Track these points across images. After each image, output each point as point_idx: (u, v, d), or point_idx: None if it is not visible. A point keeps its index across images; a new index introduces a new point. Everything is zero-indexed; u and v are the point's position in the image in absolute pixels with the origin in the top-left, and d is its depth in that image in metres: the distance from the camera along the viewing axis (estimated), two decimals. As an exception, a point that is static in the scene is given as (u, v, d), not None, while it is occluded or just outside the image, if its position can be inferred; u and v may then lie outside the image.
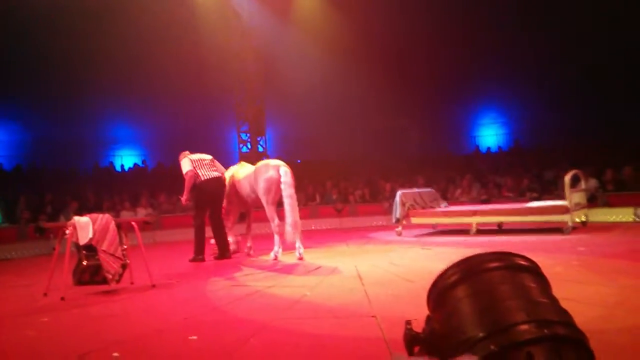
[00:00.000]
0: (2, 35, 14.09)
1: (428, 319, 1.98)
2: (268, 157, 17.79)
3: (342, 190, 14.63)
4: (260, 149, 17.72)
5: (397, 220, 9.70)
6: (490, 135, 19.45)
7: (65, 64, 14.80)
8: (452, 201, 11.86)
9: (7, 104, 15.06)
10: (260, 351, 3.17)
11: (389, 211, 10.86)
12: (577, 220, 8.88)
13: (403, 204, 9.63)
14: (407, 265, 6.14)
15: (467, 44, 16.97)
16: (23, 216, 11.61)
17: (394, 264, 6.28)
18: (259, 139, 17.75)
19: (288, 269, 6.31)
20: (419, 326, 2.03)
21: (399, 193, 9.84)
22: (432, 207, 10.13)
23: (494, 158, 16.74)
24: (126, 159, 18.75)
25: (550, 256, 5.87)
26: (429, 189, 11.06)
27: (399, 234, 9.67)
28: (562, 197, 8.77)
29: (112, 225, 5.59)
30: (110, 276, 5.42)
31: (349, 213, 13.44)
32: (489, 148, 18.28)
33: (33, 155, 16.20)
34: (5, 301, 5.38)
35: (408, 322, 1.95)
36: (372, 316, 3.76)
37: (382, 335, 3.25)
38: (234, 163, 18.10)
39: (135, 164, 18.06)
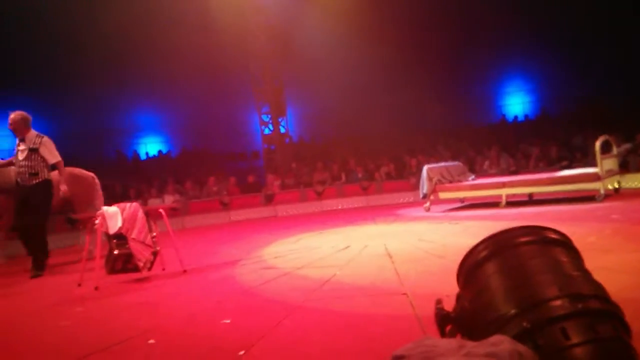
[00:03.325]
0: (26, 30, 14.21)
1: (458, 296, 1.94)
2: (290, 138, 17.78)
3: (368, 168, 14.56)
4: (282, 130, 17.70)
5: (425, 196, 9.61)
6: (516, 103, 19.08)
7: (87, 55, 14.91)
8: (480, 174, 11.70)
9: (33, 97, 15.26)
10: (293, 332, 3.17)
11: (415, 187, 10.77)
12: (610, 187, 8.67)
13: (430, 179, 9.53)
14: (436, 241, 6.07)
15: (489, 11, 16.55)
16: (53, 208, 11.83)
17: (423, 240, 6.22)
18: (280, 119, 17.70)
19: (317, 250, 6.30)
20: (450, 303, 1.99)
21: (425, 168, 9.73)
22: (459, 181, 10.00)
23: (521, 127, 16.43)
24: (150, 146, 18.92)
25: (583, 225, 5.73)
26: (455, 163, 10.92)
27: (427, 210, 9.59)
28: (593, 164, 8.57)
29: (141, 213, 5.64)
30: (141, 264, 5.49)
31: (375, 191, 13.37)
32: (515, 117, 17.92)
33: (58, 146, 16.45)
34: (40, 292, 5.48)
35: (438, 302, 1.92)
36: (403, 294, 3.72)
37: (414, 313, 3.21)
38: (257, 145, 18.24)
39: (159, 151, 18.23)
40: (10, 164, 6.70)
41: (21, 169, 6.46)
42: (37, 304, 4.75)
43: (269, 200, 13.27)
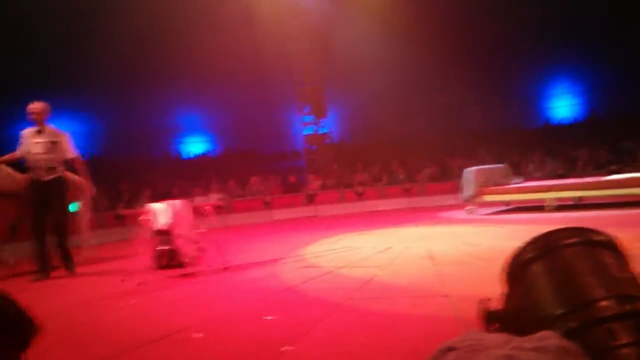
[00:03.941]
0: (74, 30, 14.68)
1: (505, 296, 1.95)
2: (331, 139, 17.81)
3: (409, 170, 14.47)
4: (323, 131, 17.76)
5: (468, 199, 9.49)
6: (563, 106, 18.57)
7: (134, 55, 15.30)
8: (525, 177, 11.47)
9: (81, 96, 15.74)
10: (335, 330, 3.20)
11: (459, 189, 10.64)
12: (662, 192, 8.37)
13: (474, 182, 9.41)
14: (479, 244, 6.00)
15: (535, 9, 16.16)
16: (101, 204, 12.19)
17: (466, 243, 6.16)
18: (321, 120, 17.76)
19: (358, 250, 6.31)
20: (494, 305, 1.99)
21: (469, 170, 9.61)
22: (504, 184, 9.83)
23: (568, 130, 16.00)
24: (195, 146, 19.29)
25: (629, 231, 5.56)
26: (500, 165, 10.74)
27: (471, 213, 9.46)
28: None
29: (187, 210, 5.79)
30: (186, 260, 5.64)
31: (418, 192, 13.27)
32: (561, 120, 17.47)
33: (107, 145, 16.95)
34: (89, 286, 5.65)
35: (485, 300, 1.93)
36: (445, 295, 3.70)
37: (456, 315, 3.20)
38: (299, 146, 18.35)
39: (204, 151, 18.58)
40: (14, 156, 6.20)
41: (38, 163, 6.01)
42: (86, 298, 4.91)
43: (310, 200, 13.36)
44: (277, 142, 19.01)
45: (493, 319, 1.87)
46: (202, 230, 5.97)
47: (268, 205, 13.08)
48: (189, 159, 18.36)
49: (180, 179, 14.56)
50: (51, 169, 6.05)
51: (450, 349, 1.29)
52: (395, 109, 17.53)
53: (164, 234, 5.74)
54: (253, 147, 18.38)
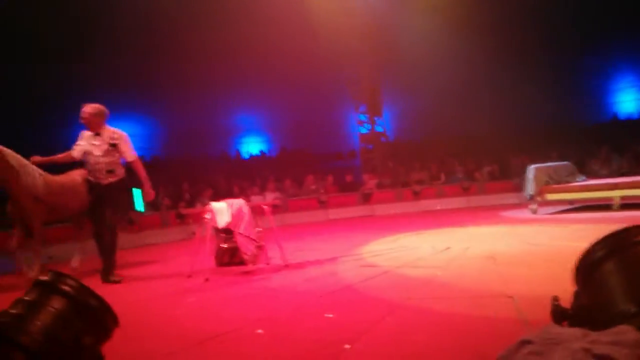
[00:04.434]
0: (136, 33, 15.16)
1: (576, 294, 1.93)
2: (387, 137, 17.69)
3: (468, 168, 14.19)
4: (379, 129, 17.66)
5: (531, 197, 9.23)
6: (629, 100, 17.71)
7: (193, 57, 15.67)
8: (590, 175, 11.03)
9: (142, 99, 16.25)
10: (395, 330, 3.20)
11: (520, 188, 10.34)
12: None
13: (536, 180, 9.13)
14: (543, 244, 5.84)
15: (599, 2, 15.50)
16: (164, 203, 12.58)
17: (529, 243, 6.00)
18: (376, 118, 17.67)
19: (416, 250, 6.25)
20: (564, 304, 1.95)
21: (531, 168, 9.34)
22: (568, 182, 9.50)
23: (634, 125, 15.26)
24: (252, 145, 19.60)
25: None
26: (563, 163, 10.38)
27: (534, 212, 9.19)
28: None
29: (246, 209, 5.90)
30: (247, 257, 5.75)
31: (477, 191, 12.99)
32: (628, 115, 16.68)
33: (168, 146, 17.47)
34: (154, 283, 5.81)
35: (555, 298, 1.91)
36: (508, 296, 3.63)
37: (519, 316, 3.13)
38: (354, 145, 18.32)
39: (260, 151, 18.86)
40: (69, 157, 6.07)
41: (97, 166, 5.91)
42: (152, 294, 5.08)
43: (366, 199, 13.33)
44: (332, 141, 19.05)
45: (563, 317, 1.85)
46: (260, 229, 6.06)
47: (324, 205, 13.13)
48: (247, 158, 18.68)
49: (238, 178, 14.84)
50: (110, 172, 5.93)
51: (527, 342, 1.28)
52: (453, 105, 17.20)
53: (226, 233, 5.87)
54: (309, 146, 18.49)
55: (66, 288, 1.46)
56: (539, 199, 9.18)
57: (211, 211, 5.83)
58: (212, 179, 14.59)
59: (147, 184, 6.06)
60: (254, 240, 5.84)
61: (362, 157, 17.45)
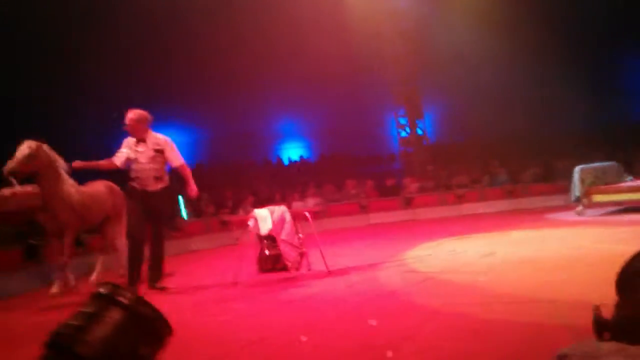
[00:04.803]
0: (179, 41, 15.51)
1: (618, 304, 1.87)
2: (428, 140, 17.55)
3: (512, 170, 13.93)
4: (420, 132, 17.54)
5: (577, 199, 9.00)
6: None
7: (235, 66, 15.91)
8: (637, 175, 10.66)
9: (187, 107, 16.60)
10: (436, 336, 3.21)
11: (566, 190, 10.10)
12: None
13: (582, 181, 8.91)
14: (588, 247, 5.71)
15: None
16: (207, 210, 12.82)
17: (574, 247, 5.88)
18: (417, 121, 17.55)
19: (459, 255, 6.20)
20: (606, 313, 1.92)
21: (577, 169, 9.11)
22: (615, 183, 9.23)
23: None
24: (292, 151, 19.77)
25: None
26: (611, 163, 10.07)
27: (580, 214, 8.96)
28: None
29: (288, 215, 5.99)
30: (289, 264, 5.83)
31: (521, 194, 12.72)
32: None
33: (211, 153, 17.80)
34: (199, 290, 5.91)
35: (596, 308, 1.86)
36: (551, 302, 3.59)
37: (563, 322, 3.09)
38: (394, 149, 18.23)
39: (300, 156, 19.00)
40: (111, 164, 5.84)
41: (144, 173, 5.75)
42: (197, 300, 5.19)
43: (408, 203, 13.24)
44: (372, 145, 19.02)
45: (604, 328, 1.81)
46: (302, 235, 6.13)
47: (364, 209, 13.12)
48: (287, 164, 18.85)
49: (279, 184, 14.99)
50: (158, 179, 5.80)
51: (563, 356, 1.28)
52: (495, 107, 16.92)
53: (269, 239, 5.97)
54: (348, 150, 18.52)
55: (123, 300, 1.54)
56: (585, 200, 8.95)
57: (254, 218, 5.94)
58: (253, 185, 14.80)
59: (193, 183, 5.94)
60: (296, 246, 5.91)
61: (402, 161, 17.36)
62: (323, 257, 5.98)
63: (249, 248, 5.91)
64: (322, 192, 14.07)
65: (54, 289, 5.86)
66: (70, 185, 6.03)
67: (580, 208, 9.02)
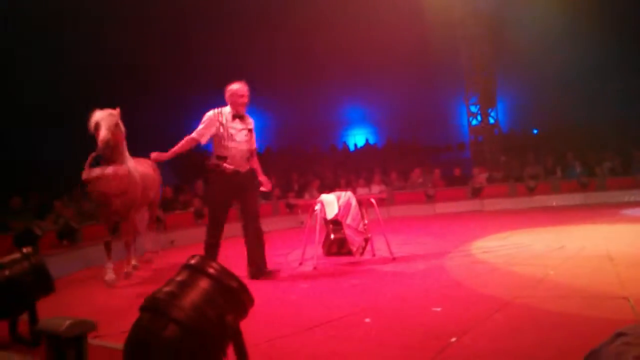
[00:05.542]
0: (253, 30, 15.82)
1: None
2: (500, 129, 17.09)
3: (587, 162, 13.38)
4: (492, 121, 17.10)
5: (656, 195, 8.60)
6: None
7: (304, 54, 16.10)
8: None
9: (259, 94, 16.97)
10: (503, 327, 3.20)
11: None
12: None
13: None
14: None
15: None
16: (275, 193, 13.10)
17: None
18: (489, 110, 17.10)
19: (528, 248, 6.08)
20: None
21: (657, 163, 8.68)
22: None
23: None
24: (358, 137, 19.78)
25: None
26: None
27: (659, 210, 8.56)
28: None
29: (354, 201, 6.06)
30: (354, 248, 5.92)
31: (596, 187, 12.21)
32: None
33: (279, 138, 18.12)
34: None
35: None
36: (624, 298, 3.49)
37: (637, 318, 3.02)
38: (464, 137, 17.89)
39: (366, 142, 18.98)
40: (193, 142, 5.34)
41: (239, 152, 5.36)
42: (264, 279, 5.32)
43: (476, 193, 12.99)
44: (441, 133, 18.74)
45: None
46: (367, 221, 6.19)
47: (431, 199, 12.99)
48: (354, 150, 18.90)
49: (345, 170, 15.09)
50: (248, 160, 5.46)
51: (621, 334, 1.32)
52: (572, 95, 16.24)
53: (334, 224, 6.08)
54: (416, 138, 18.34)
55: (211, 270, 1.68)
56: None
57: (321, 203, 6.06)
58: (319, 171, 14.97)
59: (263, 175, 5.62)
60: (361, 232, 5.99)
61: (472, 150, 17.00)
62: (388, 244, 6.03)
63: (315, 231, 6.01)
64: (388, 180, 14.04)
65: (110, 275, 5.34)
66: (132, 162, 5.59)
67: (660, 204, 8.60)
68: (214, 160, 5.40)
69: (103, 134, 5.02)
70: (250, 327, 3.63)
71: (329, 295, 4.49)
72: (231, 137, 5.32)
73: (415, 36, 15.66)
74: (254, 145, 5.60)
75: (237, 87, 5.41)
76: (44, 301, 3.30)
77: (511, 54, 16.38)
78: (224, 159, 5.32)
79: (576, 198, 11.96)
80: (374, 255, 6.17)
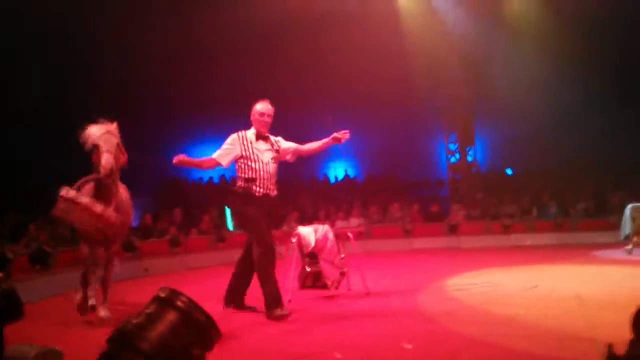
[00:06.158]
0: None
1: (632, 342, 1.97)
2: (478, 168, 17.36)
3: (562, 203, 13.64)
4: (470, 159, 17.39)
5: (627, 237, 8.78)
6: None
7: (280, 78, 16.11)
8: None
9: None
10: (474, 365, 3.23)
11: (617, 226, 9.84)
12: None
13: (633, 219, 8.69)
14: (634, 287, 5.58)
15: None
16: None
17: (620, 285, 5.77)
18: (467, 148, 17.41)
19: (502, 287, 6.14)
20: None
21: (629, 207, 8.91)
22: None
23: None
24: (338, 170, 19.89)
25: None
26: (665, 202, 9.74)
27: (629, 253, 8.72)
28: None
29: (331, 234, 6.08)
30: (329, 282, 5.92)
31: (571, 228, 12.43)
32: None
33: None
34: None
35: (610, 345, 2.01)
36: (592, 339, 3.55)
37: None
38: (442, 174, 18.11)
39: (346, 175, 19.10)
40: (214, 163, 5.10)
41: (267, 174, 5.06)
42: (238, 311, 5.29)
43: (453, 230, 13.11)
44: (420, 169, 18.93)
45: None
46: (344, 255, 6.21)
47: (408, 234, 13.07)
48: (333, 182, 18.98)
49: (324, 202, 15.12)
50: (276, 183, 5.18)
51: None
52: (548, 137, 16.63)
53: (310, 257, 6.08)
54: (395, 173, 18.51)
55: (180, 304, 1.70)
56: (635, 239, 8.72)
57: (297, 235, 6.07)
58: (299, 202, 14.98)
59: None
60: (337, 266, 6.00)
61: (450, 187, 17.23)
62: (363, 278, 6.05)
63: (293, 264, 6.01)
64: (367, 213, 14.11)
65: (92, 301, 4.83)
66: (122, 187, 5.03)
67: (630, 247, 8.78)
68: (241, 184, 5.07)
69: (106, 160, 4.43)
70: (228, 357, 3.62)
71: (301, 329, 4.47)
72: (257, 159, 5.05)
73: (398, 74, 15.94)
74: (292, 147, 5.43)
75: (260, 106, 5.21)
76: (11, 327, 3.24)
77: (490, 94, 16.76)
78: (252, 180, 5.01)
79: (550, 238, 12.14)
80: (349, 289, 6.17)
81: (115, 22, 12.80)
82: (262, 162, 5.06)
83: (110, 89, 13.46)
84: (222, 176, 17.12)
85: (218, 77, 15.51)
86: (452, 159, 17.36)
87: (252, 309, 5.17)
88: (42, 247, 7.75)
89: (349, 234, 6.42)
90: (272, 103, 5.27)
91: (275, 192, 5.14)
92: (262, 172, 5.03)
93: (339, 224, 12.62)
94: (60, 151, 12.82)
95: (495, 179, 17.23)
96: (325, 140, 5.47)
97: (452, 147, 17.42)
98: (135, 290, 6.56)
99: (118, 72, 13.42)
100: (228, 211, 12.95)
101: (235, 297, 5.28)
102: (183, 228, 11.00)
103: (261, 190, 5.00)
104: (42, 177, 11.34)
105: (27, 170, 12.38)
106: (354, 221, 13.30)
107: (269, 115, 5.19)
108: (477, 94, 17.18)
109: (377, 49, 15.27)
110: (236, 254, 11.15)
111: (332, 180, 19.19)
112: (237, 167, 5.12)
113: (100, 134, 4.55)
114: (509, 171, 18.53)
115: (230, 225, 12.81)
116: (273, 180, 5.12)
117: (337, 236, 6.19)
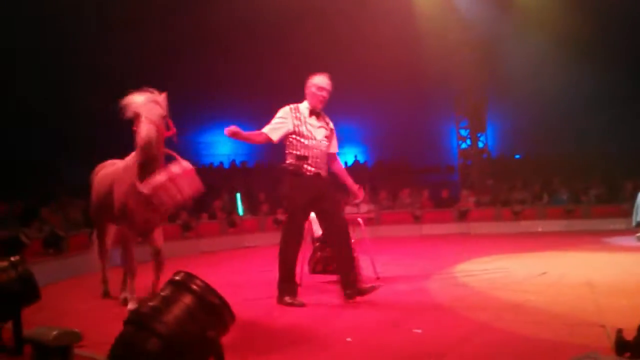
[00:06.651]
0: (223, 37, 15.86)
1: None
2: (489, 154, 17.27)
3: (574, 189, 13.56)
4: (481, 145, 17.30)
5: (638, 225, 8.74)
6: None
7: (293, 64, 16.06)
8: None
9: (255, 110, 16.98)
10: (481, 350, 3.26)
11: (629, 213, 9.79)
12: None
13: (645, 206, 8.64)
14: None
15: None
16: (262, 209, 13.13)
17: (630, 272, 5.75)
18: (479, 134, 17.32)
19: (511, 273, 6.15)
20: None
21: (640, 194, 8.86)
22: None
23: None
24: (348, 156, 19.87)
25: None
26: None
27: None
28: None
29: (342, 220, 6.09)
30: (339, 267, 5.93)
31: (582, 215, 12.37)
32: None
33: (269, 153, 18.04)
34: (253, 285, 6.14)
35: (619, 330, 2.01)
36: (601, 326, 3.56)
37: (611, 346, 3.09)
38: (452, 160, 18.04)
39: (356, 161, 19.08)
40: (264, 138, 4.76)
41: (320, 153, 4.80)
42: (251, 295, 5.36)
43: (463, 216, 13.10)
44: (430, 155, 18.88)
45: (625, 349, 1.92)
46: (353, 240, 6.22)
47: (418, 220, 13.07)
48: (344, 167, 18.98)
49: (334, 187, 15.12)
50: (327, 163, 4.91)
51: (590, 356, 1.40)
52: (563, 122, 16.50)
53: (320, 242, 6.11)
54: (406, 159, 18.45)
55: (195, 287, 1.74)
56: (647, 227, 8.69)
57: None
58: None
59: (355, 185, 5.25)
60: (347, 251, 6.01)
61: (461, 173, 17.16)
62: (373, 264, 6.08)
63: (303, 249, 6.03)
64: (376, 199, 14.11)
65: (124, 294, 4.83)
66: None
67: (640, 234, 8.76)
68: (293, 161, 4.77)
69: (145, 131, 3.84)
70: (235, 341, 3.67)
71: (312, 313, 4.52)
72: (310, 136, 4.72)
73: (409, 59, 15.83)
74: (336, 149, 5.13)
75: (319, 79, 4.87)
76: (29, 309, 3.31)
77: (503, 80, 16.62)
78: (304, 159, 4.71)
79: (561, 224, 12.09)
80: (359, 274, 6.19)
81: (116, 21, 12.79)
82: (316, 139, 4.74)
83: (111, 89, 13.45)
84: (233, 161, 17.17)
85: (226, 67, 15.53)
86: (463, 145, 17.25)
87: (367, 291, 4.84)
88: (55, 230, 7.88)
89: (359, 220, 6.43)
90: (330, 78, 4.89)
91: (327, 172, 4.87)
92: (315, 150, 4.72)
93: (349, 209, 12.61)
94: (60, 151, 12.97)
95: (506, 165, 17.16)
96: (349, 182, 5.29)
97: (463, 133, 17.30)
98: (146, 273, 6.64)
99: (118, 72, 13.41)
100: (238, 196, 13.03)
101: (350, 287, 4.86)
102: (194, 213, 11.08)
103: (313, 169, 4.72)
104: (42, 177, 11.47)
105: (27, 170, 12.43)
106: (364, 207, 13.28)
107: (328, 91, 4.84)
108: (489, 79, 17.01)
109: (388, 34, 15.15)
110: (247, 239, 11.32)
111: (342, 165, 19.17)
112: (287, 142, 4.81)
113: (144, 102, 4.04)
114: (517, 156, 18.41)
115: (240, 210, 12.90)
116: (325, 160, 4.84)
117: (347, 221, 6.20)
